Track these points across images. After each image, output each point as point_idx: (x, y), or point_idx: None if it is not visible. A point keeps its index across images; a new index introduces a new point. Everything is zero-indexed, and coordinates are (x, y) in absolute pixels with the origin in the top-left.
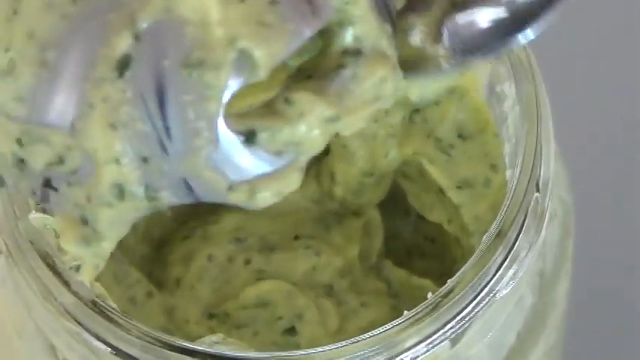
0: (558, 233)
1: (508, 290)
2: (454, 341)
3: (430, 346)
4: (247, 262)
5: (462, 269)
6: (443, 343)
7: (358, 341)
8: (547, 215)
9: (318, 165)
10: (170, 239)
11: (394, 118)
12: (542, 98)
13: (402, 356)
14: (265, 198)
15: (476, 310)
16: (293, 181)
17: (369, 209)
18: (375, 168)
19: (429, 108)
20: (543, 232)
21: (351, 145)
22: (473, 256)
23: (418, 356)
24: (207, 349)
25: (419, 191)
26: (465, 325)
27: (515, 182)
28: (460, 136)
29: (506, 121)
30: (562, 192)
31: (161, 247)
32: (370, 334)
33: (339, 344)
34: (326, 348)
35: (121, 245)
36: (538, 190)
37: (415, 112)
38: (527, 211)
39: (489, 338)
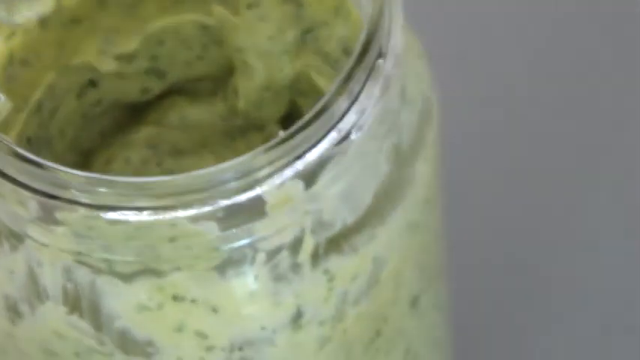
0: (417, 119)
1: (354, 139)
2: (307, 183)
3: (281, 178)
4: (159, 164)
5: (310, 112)
6: (295, 182)
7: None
8: (392, 85)
9: (225, 86)
10: (95, 148)
11: (288, 37)
12: None
13: (256, 188)
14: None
15: (321, 149)
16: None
17: (270, 124)
18: (272, 82)
19: (319, 27)
20: (393, 104)
21: (251, 61)
22: (319, 101)
23: (272, 190)
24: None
25: (312, 105)
26: (312, 163)
27: (360, 45)
28: (344, 51)
29: None
30: (424, 87)
31: (88, 155)
32: (227, 163)
33: (199, 171)
34: (183, 175)
35: (53, 152)
36: (381, 57)
37: (307, 31)
38: (369, 72)
39: (343, 191)
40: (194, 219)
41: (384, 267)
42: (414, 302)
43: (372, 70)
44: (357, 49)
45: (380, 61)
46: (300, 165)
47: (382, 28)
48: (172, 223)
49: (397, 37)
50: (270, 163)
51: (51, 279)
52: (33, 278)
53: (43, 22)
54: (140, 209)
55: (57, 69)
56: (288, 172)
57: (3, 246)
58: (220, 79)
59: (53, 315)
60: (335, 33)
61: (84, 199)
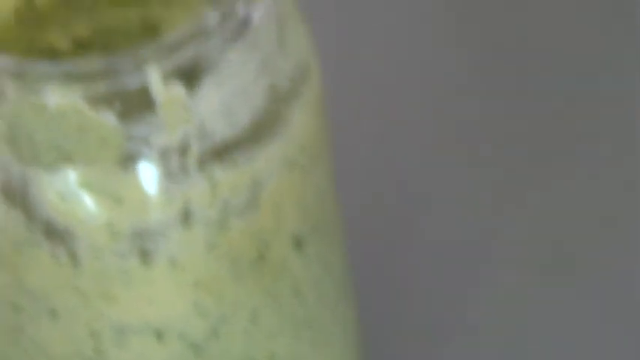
0: (292, 70)
1: (234, 54)
2: (188, 86)
3: (163, 72)
4: None
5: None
6: (177, 84)
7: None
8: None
9: None
10: None
11: None
12: None
13: (143, 80)
14: None
15: (193, 49)
16: None
17: None
18: None
19: None
20: (268, 37)
21: None
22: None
23: (158, 86)
24: None
25: None
26: (187, 61)
27: None
28: None
29: None
30: (302, 48)
31: None
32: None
33: (94, 58)
34: (83, 59)
35: None
36: None
37: None
38: None
39: (222, 106)
40: (93, 104)
41: (262, 189)
42: (298, 244)
43: None
44: None
45: None
46: (178, 62)
47: None
48: (78, 110)
49: None
50: (156, 57)
51: None
52: None
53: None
54: (52, 92)
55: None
56: (168, 64)
57: None
58: None
59: None
60: None
61: (10, 86)
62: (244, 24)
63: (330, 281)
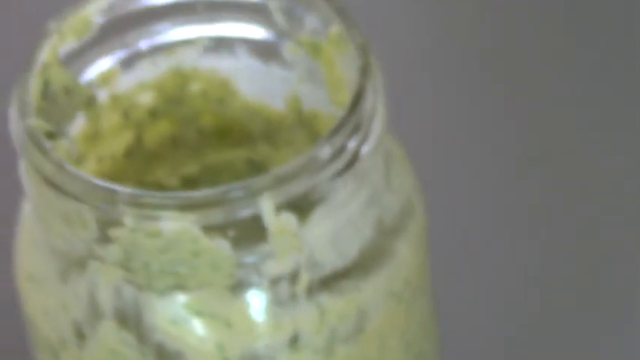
0: (399, 207)
1: (344, 187)
2: (299, 216)
3: (277, 204)
4: None
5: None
6: (289, 215)
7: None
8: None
9: None
10: None
11: None
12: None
13: (257, 210)
14: None
15: (304, 181)
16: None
17: None
18: None
19: None
20: (376, 174)
21: None
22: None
23: (271, 217)
24: None
25: None
26: (299, 192)
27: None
28: None
29: None
30: (407, 185)
31: None
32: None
33: (209, 190)
34: (199, 192)
35: None
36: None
37: None
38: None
39: (332, 237)
40: (207, 232)
41: (369, 320)
42: None
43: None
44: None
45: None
46: (291, 193)
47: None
48: (193, 237)
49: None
50: (269, 188)
51: (105, 298)
52: (92, 300)
53: (127, 153)
54: (168, 220)
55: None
56: (280, 195)
57: (72, 274)
58: None
59: (107, 331)
60: None
61: (128, 214)
62: (354, 158)
63: None
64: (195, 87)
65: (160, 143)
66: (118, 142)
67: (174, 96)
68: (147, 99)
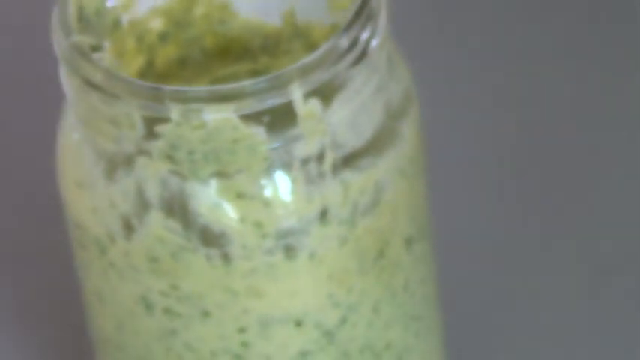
0: (401, 93)
1: (359, 75)
2: (325, 102)
3: (304, 93)
4: None
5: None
6: (314, 101)
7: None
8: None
9: None
10: None
11: None
12: None
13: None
14: None
15: (327, 70)
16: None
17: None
18: None
19: None
20: (382, 63)
21: None
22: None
23: (300, 104)
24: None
25: None
26: (322, 80)
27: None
28: None
29: None
30: (406, 77)
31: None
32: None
33: (246, 81)
34: (238, 84)
35: None
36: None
37: None
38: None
39: (350, 120)
40: (245, 120)
41: (383, 193)
42: (409, 244)
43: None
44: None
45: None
46: (316, 81)
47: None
48: (233, 125)
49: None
50: (298, 77)
51: (152, 190)
52: (140, 194)
53: (140, 75)
54: (211, 111)
55: None
56: (307, 84)
57: (118, 173)
58: None
59: (155, 221)
60: None
61: (174, 109)
62: (366, 49)
63: (430, 279)
64: (198, 11)
65: (168, 65)
66: (133, 65)
67: (180, 20)
68: (157, 24)
